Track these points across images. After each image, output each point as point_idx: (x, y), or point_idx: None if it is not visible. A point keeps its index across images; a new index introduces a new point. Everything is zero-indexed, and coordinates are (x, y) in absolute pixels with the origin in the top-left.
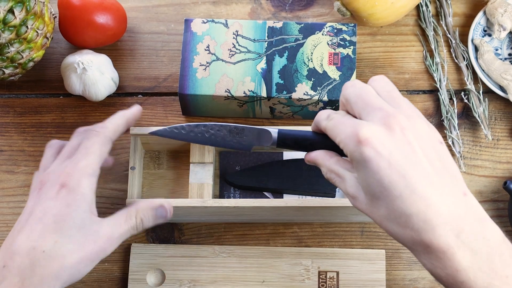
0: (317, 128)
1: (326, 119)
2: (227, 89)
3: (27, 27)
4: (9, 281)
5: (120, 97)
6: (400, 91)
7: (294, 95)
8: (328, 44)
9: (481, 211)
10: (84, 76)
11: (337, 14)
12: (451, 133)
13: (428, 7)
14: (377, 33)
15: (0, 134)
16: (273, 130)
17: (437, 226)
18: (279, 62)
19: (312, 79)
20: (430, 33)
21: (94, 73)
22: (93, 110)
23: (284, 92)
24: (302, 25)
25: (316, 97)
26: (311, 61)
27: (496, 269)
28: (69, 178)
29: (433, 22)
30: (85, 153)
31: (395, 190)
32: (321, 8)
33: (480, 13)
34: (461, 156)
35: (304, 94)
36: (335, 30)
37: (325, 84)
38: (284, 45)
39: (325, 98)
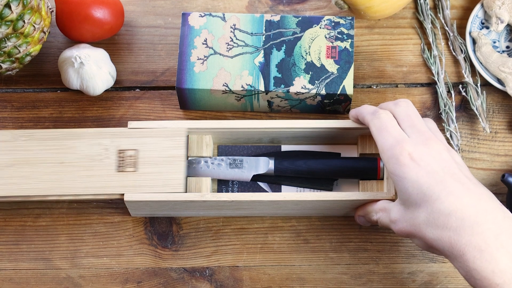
0: (356, 118)
1: (372, 114)
2: (225, 83)
3: (24, 21)
4: None
5: (118, 91)
6: (398, 84)
7: (292, 89)
8: (325, 37)
9: None
10: (81, 70)
11: (334, 7)
12: (449, 126)
13: (425, 0)
14: (375, 26)
15: None
16: (270, 161)
17: (475, 224)
18: (277, 56)
19: (310, 73)
20: (428, 26)
21: (91, 67)
22: (90, 105)
23: (282, 86)
24: (300, 18)
25: (314, 91)
26: (309, 55)
27: None
28: None
29: (430, 15)
30: None
31: (434, 193)
32: (318, 2)
33: (478, 6)
34: (459, 149)
35: (302, 87)
36: (333, 24)
37: (323, 77)
38: (281, 39)
39: (323, 92)
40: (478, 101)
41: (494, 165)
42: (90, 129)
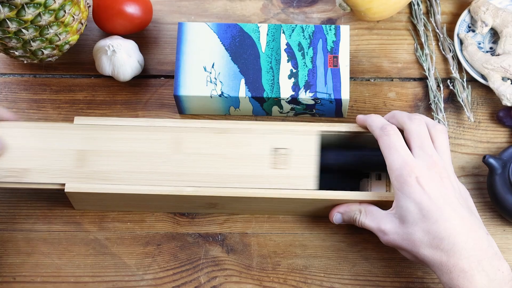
0: (363, 125)
1: (381, 130)
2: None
3: (64, 11)
4: None
5: (145, 79)
6: (393, 78)
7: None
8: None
9: (498, 250)
10: (113, 58)
11: (339, 10)
12: (437, 115)
13: (419, 6)
14: (374, 28)
15: (38, 109)
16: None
17: (463, 250)
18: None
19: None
20: (421, 28)
21: (122, 56)
22: (120, 90)
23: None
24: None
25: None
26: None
27: None
28: None
29: (423, 19)
30: None
31: (432, 217)
32: (325, 5)
33: (465, 11)
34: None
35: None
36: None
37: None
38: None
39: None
40: (464, 94)
41: (477, 150)
42: (254, 125)
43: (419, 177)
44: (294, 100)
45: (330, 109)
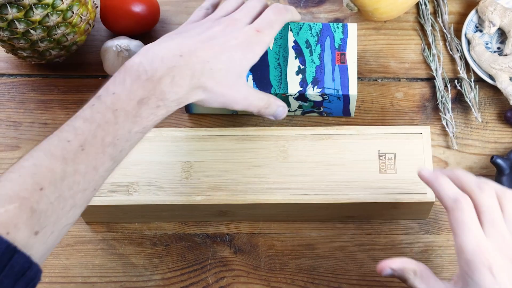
0: (428, 182)
1: (454, 202)
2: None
3: (72, 12)
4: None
5: None
6: (400, 78)
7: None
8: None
9: None
10: (121, 57)
11: (346, 10)
12: (445, 115)
13: (426, 6)
14: (381, 28)
15: (46, 109)
16: None
17: None
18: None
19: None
20: (428, 28)
21: (130, 55)
22: None
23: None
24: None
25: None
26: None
27: None
28: (262, 32)
29: (431, 19)
30: (270, 26)
31: None
32: (332, 5)
33: (473, 11)
34: (454, 135)
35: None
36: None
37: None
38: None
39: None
40: (472, 94)
41: (485, 151)
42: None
43: (493, 267)
44: (301, 96)
45: (338, 107)
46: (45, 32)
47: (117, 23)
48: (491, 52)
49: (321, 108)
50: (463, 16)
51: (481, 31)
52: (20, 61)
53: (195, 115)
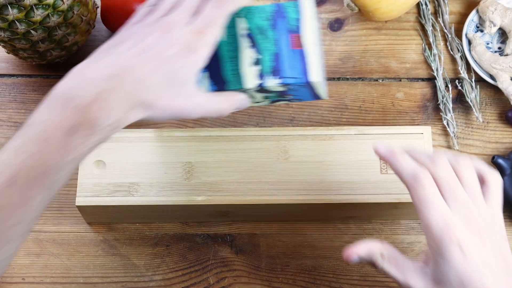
0: (384, 158)
1: (413, 178)
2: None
3: (73, 12)
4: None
5: None
6: (401, 78)
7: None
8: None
9: None
10: None
11: (346, 10)
12: (446, 115)
13: (427, 6)
14: (382, 28)
15: None
16: None
17: None
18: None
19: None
20: (429, 28)
21: None
22: None
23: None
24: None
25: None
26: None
27: None
28: (203, 33)
29: (431, 19)
30: (212, 24)
31: (471, 285)
32: (332, 6)
33: (473, 11)
34: (455, 136)
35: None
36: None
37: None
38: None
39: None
40: (472, 94)
41: (486, 151)
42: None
43: (462, 244)
44: (262, 88)
45: (305, 93)
46: (46, 33)
47: (118, 23)
48: (492, 52)
49: (288, 96)
50: (463, 16)
51: (482, 31)
52: (21, 62)
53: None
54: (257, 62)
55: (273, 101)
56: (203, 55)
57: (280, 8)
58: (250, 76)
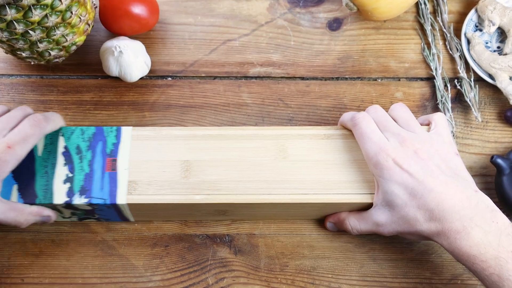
0: (344, 126)
1: (351, 121)
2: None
3: (71, 12)
4: None
5: (151, 79)
6: (400, 78)
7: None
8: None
9: (491, 203)
10: (120, 58)
11: (345, 9)
12: (445, 115)
13: (426, 5)
14: (381, 27)
15: (45, 109)
16: None
17: (453, 213)
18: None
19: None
20: (428, 27)
21: (129, 56)
22: (127, 90)
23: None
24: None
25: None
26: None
27: (503, 245)
28: (13, 148)
29: (430, 18)
30: (24, 141)
31: (418, 192)
32: (331, 5)
33: (472, 11)
34: (454, 135)
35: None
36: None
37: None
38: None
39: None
40: (471, 94)
41: (485, 150)
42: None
43: (396, 158)
44: (70, 205)
45: (112, 214)
46: (44, 33)
47: (116, 24)
48: (490, 51)
49: (95, 215)
50: (462, 15)
51: (480, 30)
52: (19, 62)
53: (196, 115)
54: (68, 180)
55: (81, 218)
56: (6, 170)
57: (101, 132)
58: (59, 192)
